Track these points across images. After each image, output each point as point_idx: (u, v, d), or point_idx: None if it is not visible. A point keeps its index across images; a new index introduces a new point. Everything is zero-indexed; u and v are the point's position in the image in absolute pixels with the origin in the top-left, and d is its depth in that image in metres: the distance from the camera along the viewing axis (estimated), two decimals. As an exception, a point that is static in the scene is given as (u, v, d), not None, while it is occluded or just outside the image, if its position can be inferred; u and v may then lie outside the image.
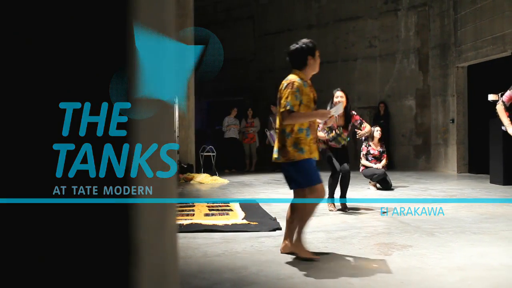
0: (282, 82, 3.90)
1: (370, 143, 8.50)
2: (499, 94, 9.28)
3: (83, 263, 0.65)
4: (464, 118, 11.51)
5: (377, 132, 8.50)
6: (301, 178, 3.78)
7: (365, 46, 13.48)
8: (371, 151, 8.48)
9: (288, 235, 3.92)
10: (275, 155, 3.84)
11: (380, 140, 8.58)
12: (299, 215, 3.84)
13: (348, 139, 6.26)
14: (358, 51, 13.57)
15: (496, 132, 9.00)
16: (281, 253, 3.90)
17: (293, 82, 3.83)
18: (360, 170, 8.50)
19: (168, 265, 0.74)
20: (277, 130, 3.87)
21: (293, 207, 3.93)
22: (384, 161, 8.49)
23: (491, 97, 9.24)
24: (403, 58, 12.91)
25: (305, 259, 3.71)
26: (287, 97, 3.75)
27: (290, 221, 3.93)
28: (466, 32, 10.98)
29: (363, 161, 8.46)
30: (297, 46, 4.07)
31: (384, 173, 8.24)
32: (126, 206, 0.67)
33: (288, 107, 3.72)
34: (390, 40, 13.13)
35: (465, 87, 11.49)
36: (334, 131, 6.10)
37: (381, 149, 8.53)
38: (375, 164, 8.38)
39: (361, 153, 8.53)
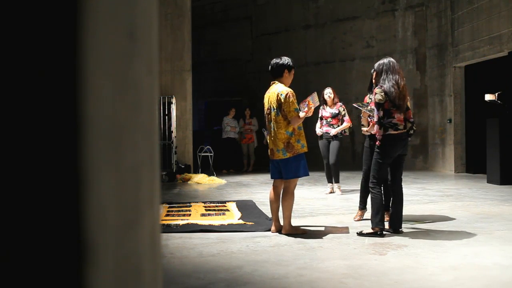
0: (276, 93, 4.76)
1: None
2: (496, 94, 9.30)
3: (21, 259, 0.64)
4: (461, 118, 11.53)
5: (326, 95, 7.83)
6: (295, 169, 4.71)
7: (363, 46, 13.49)
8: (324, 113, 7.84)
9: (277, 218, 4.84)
10: (279, 153, 4.71)
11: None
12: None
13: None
14: (355, 51, 13.58)
15: (493, 132, 9.03)
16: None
17: (290, 91, 4.75)
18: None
19: (142, 266, 0.75)
20: (279, 132, 4.70)
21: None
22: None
23: (488, 97, 9.26)
24: (401, 58, 12.92)
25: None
26: (292, 104, 4.67)
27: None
28: (463, 32, 11.00)
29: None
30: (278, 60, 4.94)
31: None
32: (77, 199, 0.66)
33: (297, 112, 4.68)
34: (387, 40, 13.14)
35: (462, 87, 11.51)
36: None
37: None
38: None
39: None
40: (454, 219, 5.40)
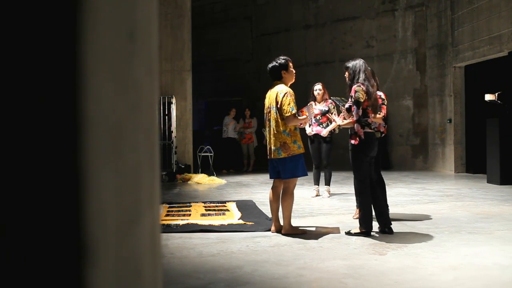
0: (276, 92, 4.80)
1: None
2: (496, 94, 9.30)
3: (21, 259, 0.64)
4: (461, 118, 11.53)
5: (316, 91, 7.48)
6: (292, 169, 4.71)
7: (363, 46, 13.49)
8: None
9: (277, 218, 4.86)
10: (275, 152, 4.75)
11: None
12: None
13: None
14: (355, 51, 13.56)
15: (493, 132, 9.03)
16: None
17: (289, 91, 4.75)
18: None
19: (142, 266, 0.74)
20: (275, 132, 4.75)
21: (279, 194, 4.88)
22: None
23: (488, 97, 9.26)
24: (401, 58, 12.92)
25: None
26: (289, 104, 4.66)
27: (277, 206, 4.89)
28: (463, 32, 11.00)
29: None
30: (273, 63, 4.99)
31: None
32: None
33: (293, 112, 4.65)
34: (387, 40, 13.14)
35: (462, 87, 11.51)
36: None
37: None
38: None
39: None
40: (454, 219, 5.40)
